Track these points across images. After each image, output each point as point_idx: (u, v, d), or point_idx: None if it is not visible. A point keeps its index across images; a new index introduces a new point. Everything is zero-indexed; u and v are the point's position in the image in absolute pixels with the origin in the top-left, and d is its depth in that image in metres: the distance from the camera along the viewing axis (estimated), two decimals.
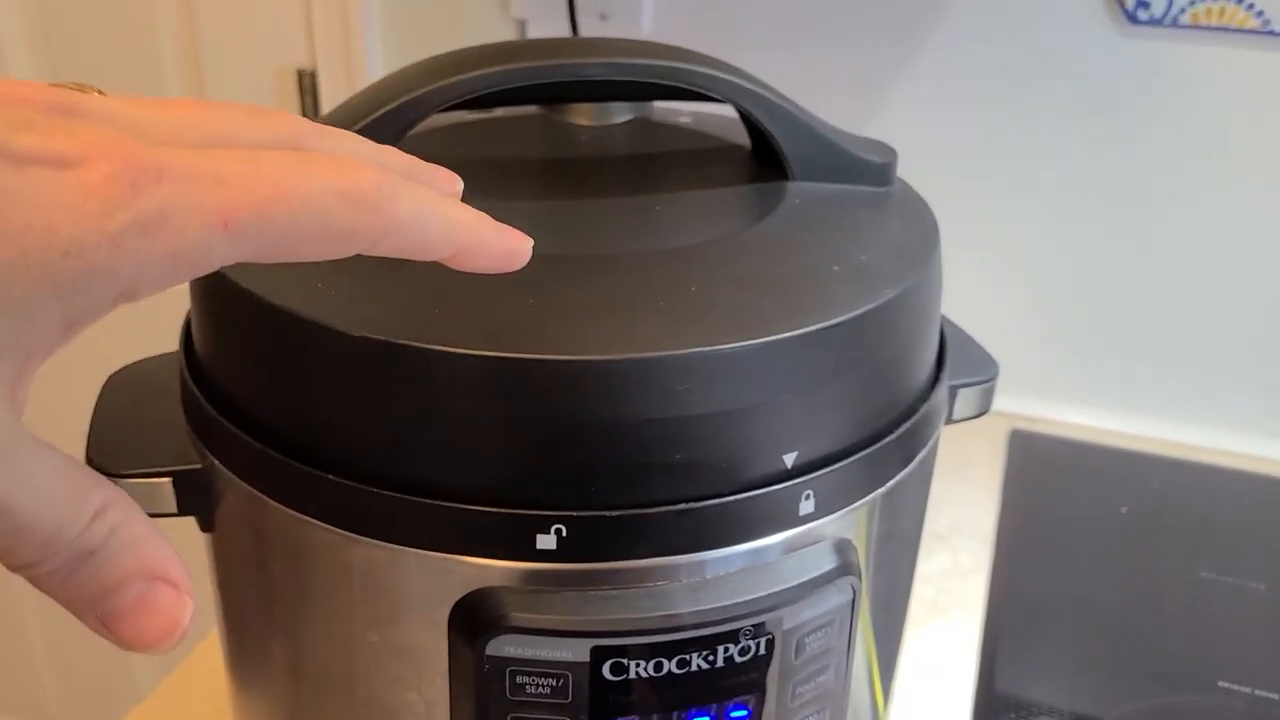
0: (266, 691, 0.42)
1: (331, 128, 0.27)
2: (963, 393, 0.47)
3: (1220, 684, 0.65)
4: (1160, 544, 0.78)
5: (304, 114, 1.05)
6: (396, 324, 0.33)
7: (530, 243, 0.28)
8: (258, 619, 0.40)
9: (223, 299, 0.37)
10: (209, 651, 0.65)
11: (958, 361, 0.46)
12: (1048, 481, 0.85)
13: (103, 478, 0.24)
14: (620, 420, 0.32)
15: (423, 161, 0.29)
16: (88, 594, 0.23)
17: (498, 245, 0.27)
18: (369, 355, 0.33)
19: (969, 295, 0.69)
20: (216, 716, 0.59)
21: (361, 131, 0.39)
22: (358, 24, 0.99)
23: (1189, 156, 0.83)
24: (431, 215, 0.25)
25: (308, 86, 1.04)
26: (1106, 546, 0.77)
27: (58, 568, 0.22)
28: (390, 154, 0.28)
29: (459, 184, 0.29)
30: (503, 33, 0.95)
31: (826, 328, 0.34)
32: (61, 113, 0.21)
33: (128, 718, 0.61)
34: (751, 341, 0.33)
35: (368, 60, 1.00)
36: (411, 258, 0.26)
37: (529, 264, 0.36)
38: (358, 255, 0.37)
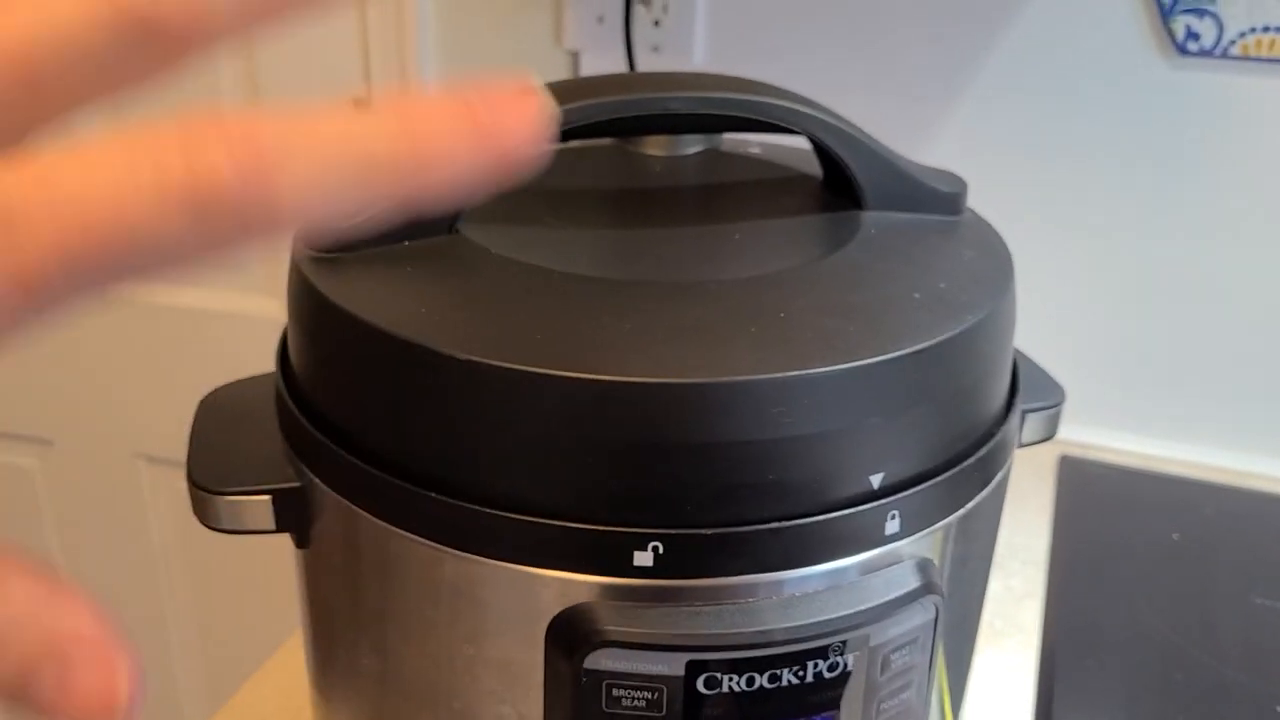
0: (355, 707, 0.43)
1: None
2: (1031, 417, 0.48)
3: (1278, 709, 0.65)
4: (1213, 570, 0.78)
5: None
6: (497, 347, 0.34)
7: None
8: (349, 633, 0.41)
9: (320, 320, 0.38)
10: (274, 670, 0.66)
11: (1026, 387, 0.47)
12: (1099, 507, 0.85)
13: None
14: (715, 441, 0.33)
15: None
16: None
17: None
18: (470, 377, 0.34)
19: (1020, 324, 0.69)
20: None
21: None
22: (413, 55, 1.02)
23: (1240, 186, 0.84)
24: (335, 171, 0.16)
25: None
26: (1159, 572, 0.77)
27: None
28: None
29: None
30: (556, 62, 0.97)
31: (912, 353, 0.35)
32: None
33: None
34: (841, 366, 0.34)
35: (423, 90, 1.02)
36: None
37: (617, 290, 0.38)
38: (454, 279, 0.39)
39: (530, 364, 0.33)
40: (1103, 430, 0.93)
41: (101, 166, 0.15)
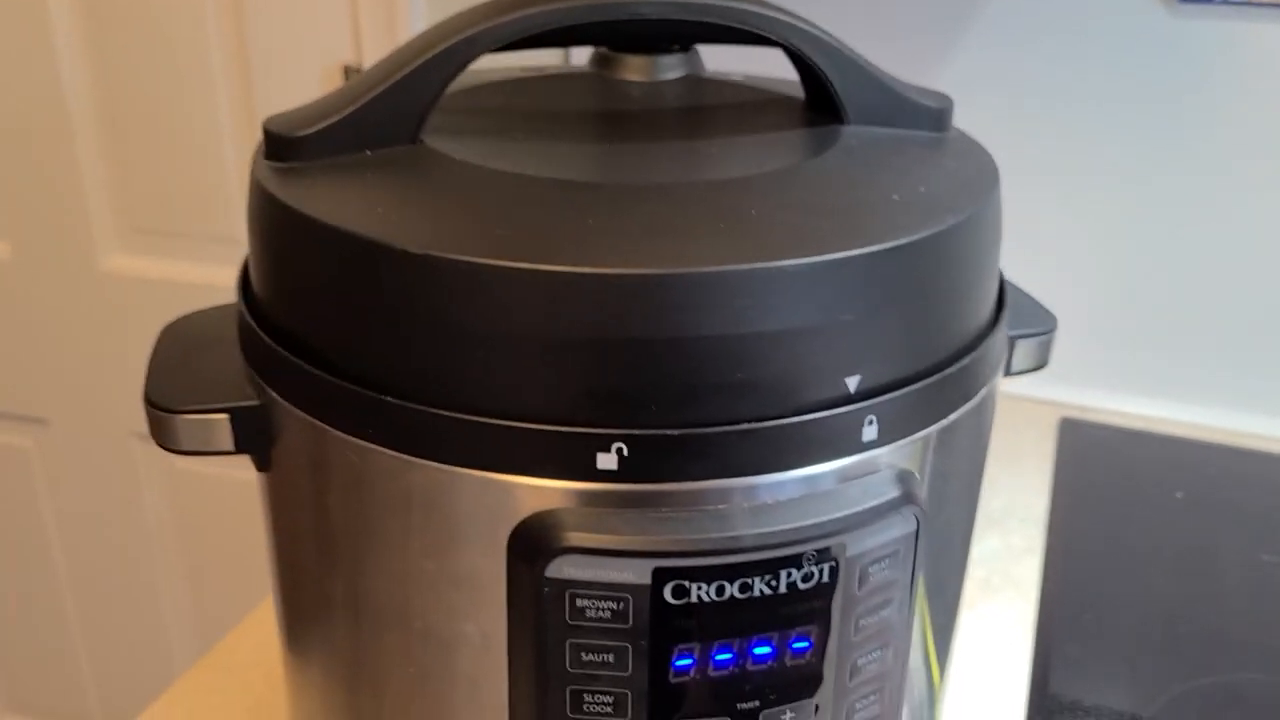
0: (322, 633, 0.41)
1: None
2: (1021, 344, 0.47)
3: None
4: (1219, 528, 0.76)
5: None
6: (456, 242, 0.33)
7: None
8: (313, 556, 0.40)
9: (277, 227, 0.37)
10: (252, 628, 0.65)
11: (1016, 314, 0.46)
12: (1100, 467, 0.83)
13: None
14: (680, 336, 0.32)
15: None
16: None
17: None
18: (425, 273, 0.33)
19: (1020, 285, 0.68)
20: (263, 681, 0.59)
21: (418, 71, 0.39)
22: (404, 21, 1.01)
23: (1241, 138, 0.82)
24: None
25: None
26: (1162, 530, 0.76)
27: None
28: None
29: None
30: None
31: (888, 249, 0.34)
32: None
33: (172, 688, 0.61)
34: (812, 259, 0.33)
35: None
36: None
37: (585, 191, 0.36)
38: (416, 182, 0.37)
39: (486, 257, 0.32)
40: (1103, 393, 0.92)
41: None
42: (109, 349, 1.24)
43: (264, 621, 0.65)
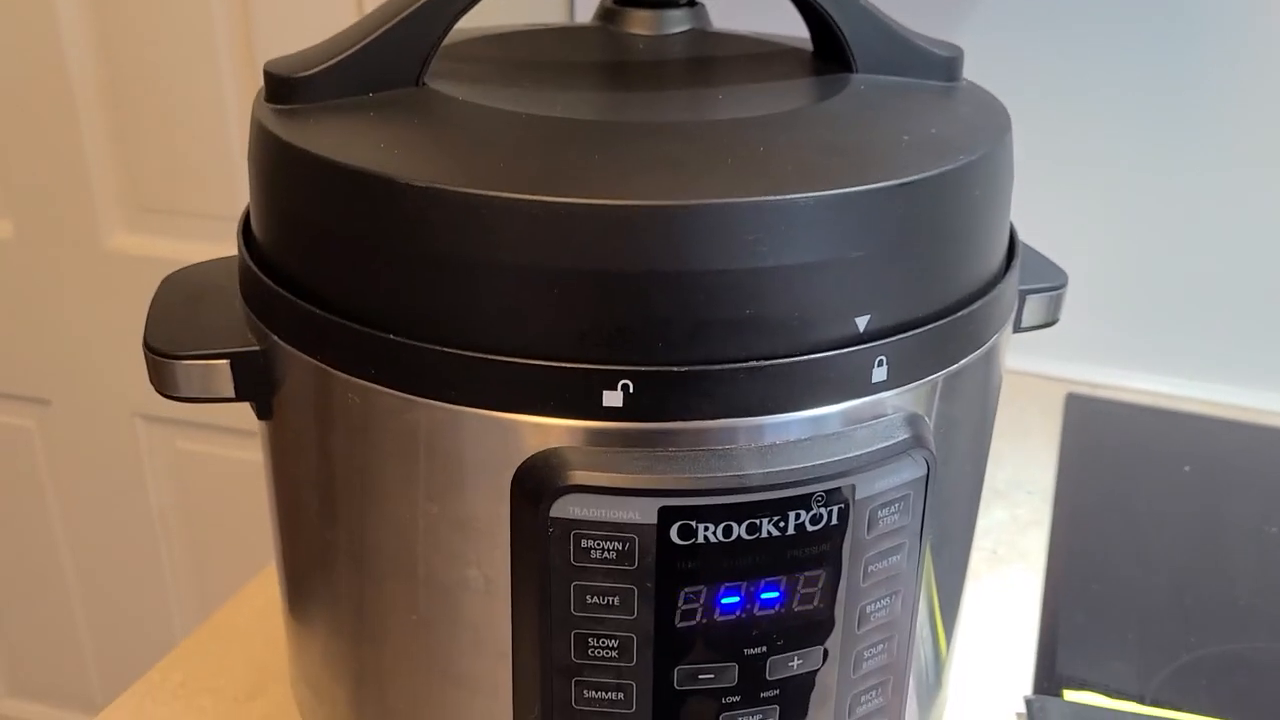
0: (324, 584, 0.41)
1: None
2: (1032, 300, 0.46)
3: None
4: (1226, 501, 0.75)
5: None
6: (460, 175, 0.32)
7: None
8: (315, 504, 0.39)
9: (284, 164, 0.36)
10: (254, 593, 0.64)
11: (1026, 270, 0.45)
12: (1106, 441, 0.83)
13: None
14: (687, 270, 0.31)
15: None
16: None
17: None
18: (432, 207, 0.32)
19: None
20: (264, 645, 0.59)
21: (422, 9, 0.38)
22: None
23: (1250, 115, 0.81)
24: None
25: None
26: (1169, 502, 0.75)
27: None
28: None
29: None
30: (552, 2, 0.95)
31: (898, 186, 0.33)
32: None
33: (172, 654, 0.60)
34: (822, 193, 0.32)
35: None
36: None
37: (591, 128, 0.36)
38: (419, 120, 0.37)
39: (489, 189, 0.31)
40: (1109, 369, 0.91)
41: None
42: (112, 329, 1.24)
43: (265, 587, 0.64)
